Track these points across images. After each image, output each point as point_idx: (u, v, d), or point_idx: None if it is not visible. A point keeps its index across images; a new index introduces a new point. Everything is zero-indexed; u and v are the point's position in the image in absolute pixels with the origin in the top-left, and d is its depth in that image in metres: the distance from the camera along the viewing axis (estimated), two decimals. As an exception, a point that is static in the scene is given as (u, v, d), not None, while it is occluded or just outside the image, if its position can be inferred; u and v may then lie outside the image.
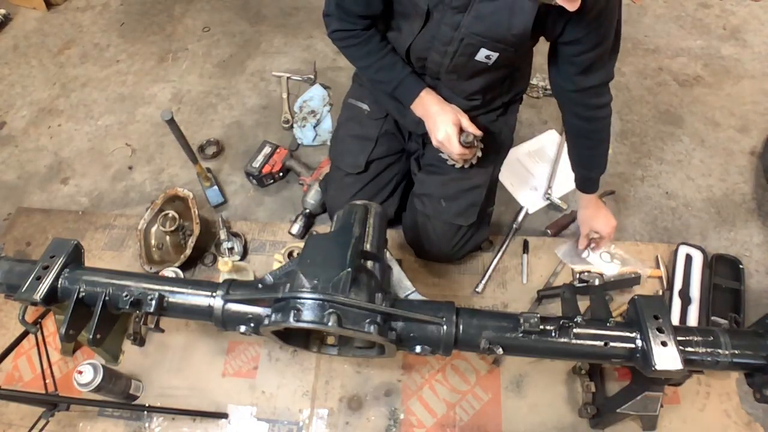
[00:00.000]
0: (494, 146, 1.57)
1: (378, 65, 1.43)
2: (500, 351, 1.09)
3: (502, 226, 1.86)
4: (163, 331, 1.25)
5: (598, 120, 1.40)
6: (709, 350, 1.08)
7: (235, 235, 1.84)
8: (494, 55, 1.28)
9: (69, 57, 2.65)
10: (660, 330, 1.07)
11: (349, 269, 1.06)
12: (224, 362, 1.61)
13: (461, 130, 1.38)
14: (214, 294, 1.18)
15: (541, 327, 1.09)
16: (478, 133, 1.39)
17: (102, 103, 2.43)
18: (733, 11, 2.57)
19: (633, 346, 1.08)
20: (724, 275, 1.69)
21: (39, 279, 1.18)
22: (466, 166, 1.50)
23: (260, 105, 2.34)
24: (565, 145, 2.07)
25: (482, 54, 1.28)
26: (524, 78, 1.58)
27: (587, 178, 1.57)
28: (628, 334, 1.10)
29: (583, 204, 1.67)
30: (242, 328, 1.15)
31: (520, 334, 1.10)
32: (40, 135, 2.33)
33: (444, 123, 1.36)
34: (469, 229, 1.60)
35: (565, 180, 1.99)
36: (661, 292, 1.69)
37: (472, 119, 1.44)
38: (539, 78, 2.27)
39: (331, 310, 1.01)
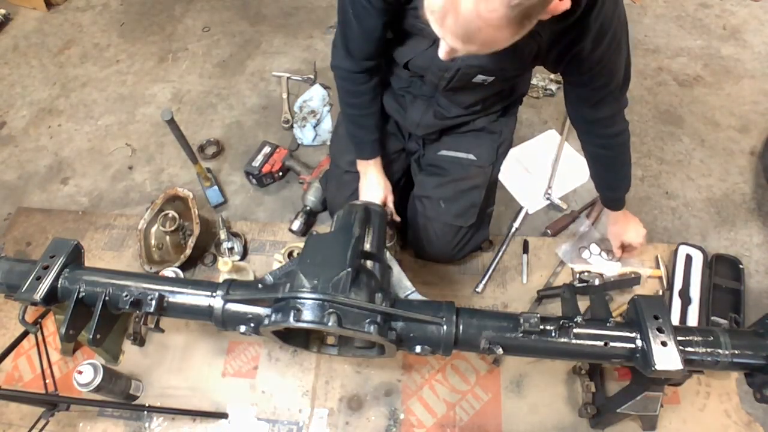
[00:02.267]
0: (493, 146, 1.57)
1: (357, 114, 1.49)
2: (500, 351, 1.09)
3: (502, 226, 1.86)
4: (163, 331, 1.25)
5: (614, 147, 1.42)
6: (709, 350, 1.08)
7: (235, 235, 1.84)
8: (491, 78, 1.27)
9: (69, 57, 2.65)
10: (660, 330, 1.07)
11: (349, 269, 1.06)
12: (224, 362, 1.61)
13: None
14: (214, 294, 1.17)
15: (541, 327, 1.09)
16: (396, 218, 1.58)
17: (102, 103, 2.43)
18: (733, 11, 2.57)
19: (633, 346, 1.08)
20: (724, 275, 1.69)
21: (39, 279, 1.18)
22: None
23: (260, 105, 2.34)
24: (565, 145, 2.08)
25: (479, 78, 1.28)
26: (525, 83, 1.58)
27: (612, 199, 1.58)
28: (628, 334, 1.10)
29: (612, 220, 1.67)
30: (242, 328, 1.15)
31: (520, 334, 1.10)
32: (40, 135, 2.33)
33: (369, 197, 1.50)
34: (469, 230, 1.60)
35: (565, 180, 1.99)
36: (661, 292, 1.69)
37: (471, 122, 1.44)
38: (539, 78, 2.27)
39: (331, 310, 1.01)
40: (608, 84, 1.24)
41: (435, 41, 1.24)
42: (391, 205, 1.55)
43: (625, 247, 1.68)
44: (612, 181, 1.53)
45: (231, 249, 1.79)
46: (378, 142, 1.52)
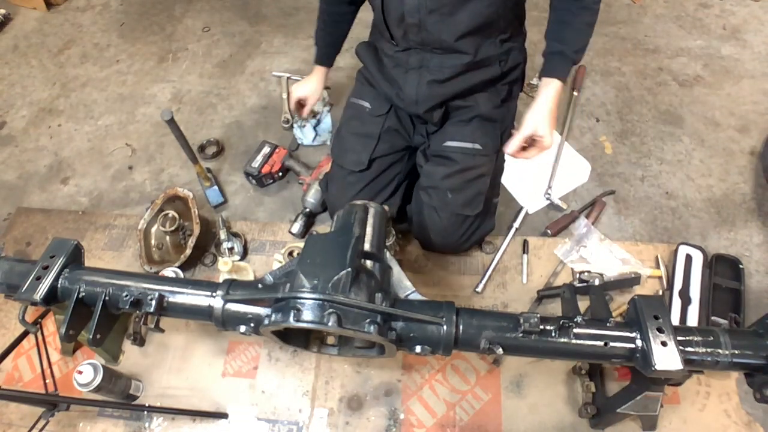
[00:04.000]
0: (497, 134, 1.58)
1: (323, 21, 1.71)
2: (500, 351, 1.09)
3: (502, 226, 1.86)
4: (163, 331, 1.25)
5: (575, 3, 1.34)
6: (709, 350, 1.08)
7: (235, 235, 1.84)
8: None
9: (69, 57, 2.65)
10: (660, 330, 1.07)
11: (349, 269, 1.06)
12: (224, 362, 1.61)
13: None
14: (214, 294, 1.17)
15: (541, 327, 1.09)
16: (306, 109, 1.87)
17: (102, 103, 2.43)
18: (733, 11, 2.57)
19: (633, 346, 1.08)
20: (724, 275, 1.69)
21: (39, 279, 1.18)
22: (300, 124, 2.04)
23: (260, 105, 2.34)
24: (566, 145, 2.08)
25: None
26: (519, 53, 1.55)
27: (555, 52, 1.37)
28: (628, 334, 1.10)
29: (538, 101, 1.38)
30: (242, 328, 1.15)
31: (520, 334, 1.10)
32: (40, 135, 2.33)
33: (298, 88, 1.83)
34: (475, 220, 1.61)
35: (565, 180, 1.99)
36: (661, 292, 1.69)
37: (470, 97, 1.52)
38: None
39: (331, 310, 1.01)
40: None
41: None
42: (308, 106, 1.87)
43: (529, 143, 1.42)
44: (562, 28, 1.36)
45: (231, 249, 1.79)
46: (333, 56, 1.80)
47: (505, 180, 1.97)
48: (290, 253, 1.75)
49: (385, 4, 1.39)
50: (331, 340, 1.33)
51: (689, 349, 1.08)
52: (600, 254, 1.76)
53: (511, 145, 1.40)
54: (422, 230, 1.65)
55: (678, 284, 1.67)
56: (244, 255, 1.84)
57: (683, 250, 1.73)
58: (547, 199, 1.94)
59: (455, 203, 1.56)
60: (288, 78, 2.38)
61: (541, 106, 1.38)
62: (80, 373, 1.36)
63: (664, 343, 1.05)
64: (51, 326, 1.63)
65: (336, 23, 1.71)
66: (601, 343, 1.10)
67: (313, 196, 1.88)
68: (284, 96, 2.32)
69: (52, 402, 1.31)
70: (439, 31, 1.38)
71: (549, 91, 1.38)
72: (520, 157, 1.44)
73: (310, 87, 1.81)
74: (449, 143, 1.56)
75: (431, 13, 1.35)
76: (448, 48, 1.42)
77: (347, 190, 1.62)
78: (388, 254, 1.27)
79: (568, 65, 1.38)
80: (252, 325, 1.14)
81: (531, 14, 1.54)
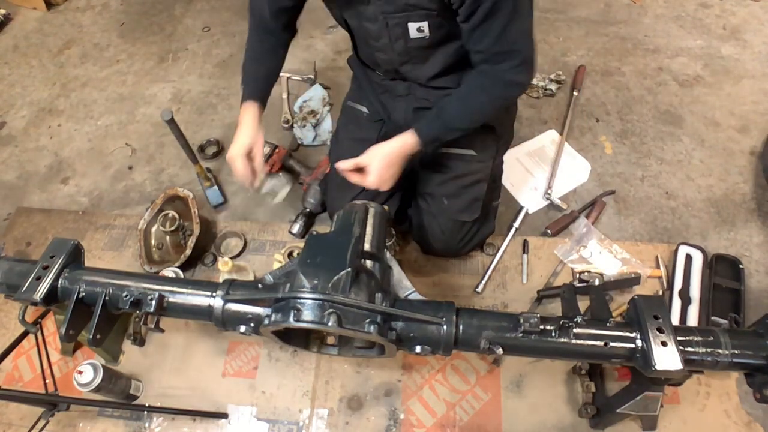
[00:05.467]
0: (492, 137, 1.58)
1: (249, 57, 1.49)
2: (500, 351, 1.09)
3: (502, 226, 1.86)
4: (163, 331, 1.25)
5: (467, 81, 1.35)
6: (709, 350, 1.08)
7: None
8: (425, 25, 1.26)
9: (69, 57, 2.65)
10: (660, 330, 1.07)
11: (349, 269, 1.06)
12: (224, 362, 1.61)
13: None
14: (214, 294, 1.17)
15: (541, 327, 1.09)
16: (258, 161, 1.42)
17: (102, 103, 2.43)
18: (733, 11, 2.57)
19: (633, 346, 1.08)
20: (724, 275, 1.69)
21: (39, 279, 1.18)
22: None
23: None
24: (566, 145, 2.08)
25: (413, 29, 1.27)
26: None
27: (433, 114, 1.35)
28: (628, 334, 1.10)
29: (395, 138, 1.35)
30: (242, 328, 1.15)
31: (520, 334, 1.10)
32: (40, 135, 2.33)
33: (235, 143, 1.40)
34: (474, 224, 1.61)
35: (565, 180, 1.99)
36: (661, 292, 1.69)
37: None
38: (539, 78, 2.27)
39: (331, 310, 1.01)
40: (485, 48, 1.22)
41: (348, 26, 1.35)
42: (258, 151, 1.42)
43: (357, 169, 1.39)
44: (452, 105, 1.33)
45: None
46: (257, 87, 1.47)
47: (506, 180, 1.97)
48: (290, 254, 1.75)
49: (359, 51, 1.43)
50: (331, 340, 1.33)
51: (689, 349, 1.08)
52: (600, 254, 1.76)
53: (344, 164, 1.39)
54: (422, 235, 1.66)
55: (678, 284, 1.67)
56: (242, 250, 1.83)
57: (683, 250, 1.73)
58: (547, 199, 1.94)
59: (452, 209, 1.56)
60: (288, 78, 2.38)
61: (385, 148, 1.34)
62: (80, 373, 1.36)
63: (664, 343, 1.05)
64: (51, 326, 1.63)
65: (268, 53, 1.51)
66: (601, 343, 1.10)
67: (313, 196, 1.88)
68: (284, 96, 2.32)
69: (52, 402, 1.31)
70: (415, 76, 1.44)
71: (402, 140, 1.34)
72: (347, 176, 1.42)
73: (245, 135, 1.40)
74: (444, 149, 1.56)
75: (403, 64, 1.40)
76: (428, 86, 1.46)
77: (346, 193, 1.62)
78: (388, 254, 1.27)
79: (434, 133, 1.35)
80: (252, 325, 1.14)
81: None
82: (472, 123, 1.37)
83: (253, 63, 1.48)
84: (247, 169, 1.40)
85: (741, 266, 1.69)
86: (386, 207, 1.37)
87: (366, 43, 1.40)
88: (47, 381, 1.35)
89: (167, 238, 1.85)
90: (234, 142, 1.40)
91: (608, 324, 1.14)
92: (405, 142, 1.34)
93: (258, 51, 1.49)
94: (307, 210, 1.88)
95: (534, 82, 2.25)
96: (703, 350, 1.08)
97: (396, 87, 1.53)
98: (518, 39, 1.22)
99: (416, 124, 1.35)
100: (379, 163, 1.34)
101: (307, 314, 1.01)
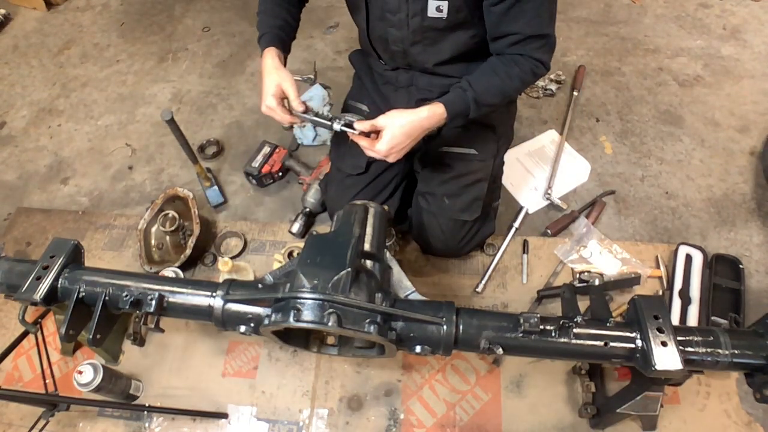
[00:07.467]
0: (493, 137, 1.58)
1: (263, 10, 1.43)
2: (500, 351, 1.09)
3: (502, 226, 1.86)
4: (163, 331, 1.25)
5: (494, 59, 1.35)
6: (709, 350, 1.08)
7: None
8: (444, 5, 1.26)
9: (69, 57, 2.65)
10: (660, 330, 1.07)
11: (349, 269, 1.06)
12: (224, 362, 1.61)
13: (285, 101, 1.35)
14: (214, 294, 1.18)
15: (541, 327, 1.09)
16: (292, 96, 1.31)
17: (102, 103, 2.43)
18: (733, 11, 2.57)
19: (633, 346, 1.08)
20: (724, 275, 1.69)
21: (39, 279, 1.18)
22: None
23: (260, 105, 2.34)
24: (566, 145, 2.08)
25: (432, 7, 1.27)
26: None
27: (461, 87, 1.29)
28: (628, 334, 1.10)
29: (421, 107, 1.27)
30: (242, 328, 1.15)
31: (520, 334, 1.10)
32: (40, 135, 2.33)
33: (265, 92, 1.33)
34: (474, 224, 1.61)
35: (565, 180, 1.99)
36: (661, 292, 1.69)
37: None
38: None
39: (331, 310, 1.01)
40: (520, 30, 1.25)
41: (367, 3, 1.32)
42: (292, 92, 1.32)
43: (372, 132, 1.30)
44: (480, 79, 1.30)
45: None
46: (280, 31, 1.41)
47: (506, 180, 1.97)
48: (290, 254, 1.75)
49: (370, 30, 1.42)
50: (331, 340, 1.33)
51: (689, 349, 1.08)
52: (600, 254, 1.76)
53: (361, 125, 1.29)
54: (422, 235, 1.66)
55: (678, 284, 1.67)
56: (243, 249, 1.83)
57: (683, 250, 1.73)
58: (547, 199, 1.94)
59: (452, 209, 1.56)
60: (288, 78, 2.38)
61: (409, 116, 1.25)
62: (80, 373, 1.36)
63: (664, 343, 1.05)
64: (51, 326, 1.63)
65: (281, 7, 1.45)
66: (601, 343, 1.10)
67: (313, 196, 1.88)
68: (284, 96, 2.31)
69: (52, 402, 1.31)
70: (423, 59, 1.43)
71: (431, 110, 1.26)
72: (355, 139, 1.32)
73: (271, 83, 1.34)
74: (445, 149, 1.56)
75: (414, 44, 1.40)
76: (434, 72, 1.46)
77: (346, 193, 1.63)
78: (388, 254, 1.27)
79: (463, 106, 1.28)
80: (252, 325, 1.14)
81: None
82: (502, 99, 1.32)
83: (268, 16, 1.42)
84: (288, 115, 1.34)
85: (741, 266, 1.69)
86: (386, 207, 1.37)
87: (381, 17, 1.37)
88: (47, 381, 1.35)
89: (167, 238, 1.85)
90: (263, 93, 1.33)
91: (608, 324, 1.14)
92: (433, 112, 1.25)
93: (272, 4, 1.43)
94: (307, 210, 1.88)
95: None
96: (703, 350, 1.08)
97: (398, 77, 1.53)
98: (550, 22, 1.28)
99: (443, 97, 1.27)
100: (398, 130, 1.24)
101: (307, 314, 1.01)
